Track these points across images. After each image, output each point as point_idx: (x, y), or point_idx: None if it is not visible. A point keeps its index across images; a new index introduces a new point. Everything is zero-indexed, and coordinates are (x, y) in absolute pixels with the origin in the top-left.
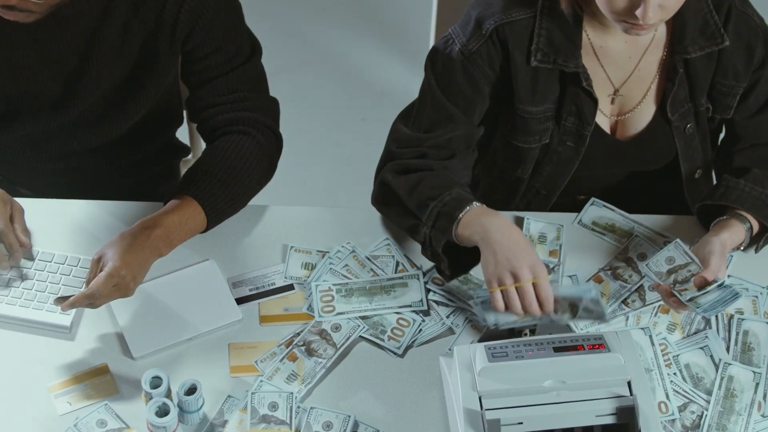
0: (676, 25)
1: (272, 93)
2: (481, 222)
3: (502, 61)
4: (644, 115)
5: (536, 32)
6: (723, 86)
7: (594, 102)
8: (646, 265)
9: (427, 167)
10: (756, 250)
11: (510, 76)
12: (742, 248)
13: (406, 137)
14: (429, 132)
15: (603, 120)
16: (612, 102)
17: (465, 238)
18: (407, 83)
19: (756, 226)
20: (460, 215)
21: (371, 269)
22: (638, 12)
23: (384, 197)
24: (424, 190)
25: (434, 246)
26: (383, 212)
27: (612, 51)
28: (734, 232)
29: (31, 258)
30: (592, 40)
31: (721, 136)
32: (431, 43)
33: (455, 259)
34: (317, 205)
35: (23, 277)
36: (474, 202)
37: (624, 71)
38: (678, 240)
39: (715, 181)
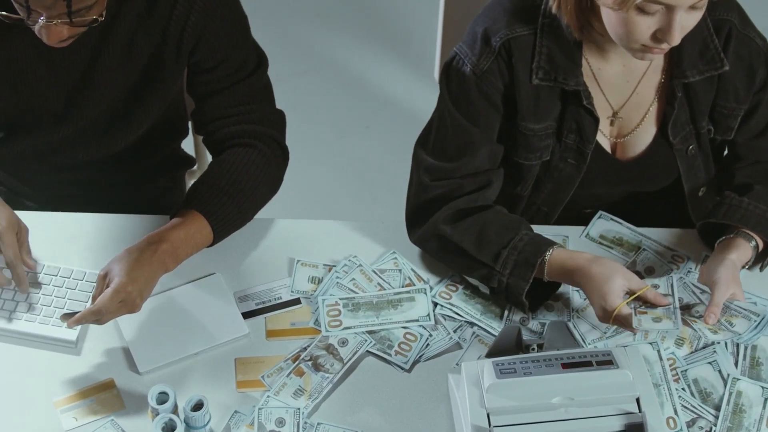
0: (673, 48)
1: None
2: (567, 269)
3: (509, 76)
4: (644, 137)
5: (537, 50)
6: (724, 108)
7: (595, 120)
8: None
9: (477, 205)
10: (761, 269)
11: (514, 92)
12: (747, 267)
13: (436, 168)
14: (456, 159)
15: (603, 140)
16: (611, 124)
17: (559, 280)
18: (411, 90)
19: (761, 244)
20: (545, 263)
21: (378, 283)
22: (665, 36)
23: (445, 249)
24: (491, 237)
25: (516, 294)
26: (445, 263)
27: (610, 75)
28: (742, 251)
29: (38, 285)
30: (590, 63)
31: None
32: (437, 50)
33: (530, 293)
34: (320, 213)
35: (28, 300)
36: (551, 247)
37: (622, 95)
38: (673, 276)
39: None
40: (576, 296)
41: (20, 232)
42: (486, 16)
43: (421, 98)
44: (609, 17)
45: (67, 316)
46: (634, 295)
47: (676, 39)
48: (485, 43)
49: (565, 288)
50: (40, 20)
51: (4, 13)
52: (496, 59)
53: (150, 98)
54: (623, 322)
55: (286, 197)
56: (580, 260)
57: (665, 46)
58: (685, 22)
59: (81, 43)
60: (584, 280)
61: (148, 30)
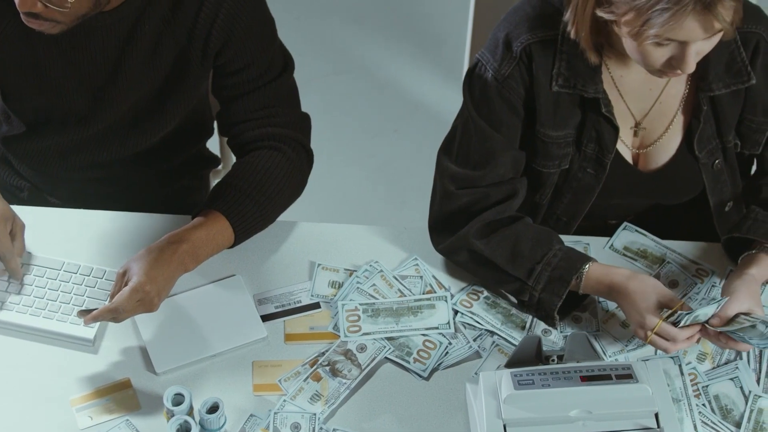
0: (699, 60)
1: (304, 102)
2: (604, 285)
3: (529, 81)
4: (668, 148)
5: (557, 56)
6: (752, 122)
7: (615, 129)
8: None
9: (505, 216)
10: None
11: (534, 98)
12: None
13: (461, 176)
14: (481, 167)
15: (625, 151)
16: (635, 135)
17: (594, 294)
18: (441, 95)
19: None
20: (581, 279)
21: (399, 289)
22: (680, 65)
23: (476, 262)
24: (524, 252)
25: (548, 310)
26: (474, 274)
27: (631, 82)
28: (763, 266)
29: (19, 279)
30: (611, 70)
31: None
32: (466, 54)
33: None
34: (346, 215)
35: (21, 289)
36: (587, 263)
37: (645, 103)
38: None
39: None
40: (601, 307)
41: (15, 226)
42: (508, 22)
43: (451, 103)
44: (625, 42)
45: (84, 313)
46: (671, 312)
47: (691, 68)
48: (507, 49)
49: (592, 298)
50: None
51: None
52: (518, 65)
53: (174, 100)
54: (658, 343)
55: (312, 199)
56: (616, 277)
57: (680, 72)
58: (701, 48)
59: (106, 45)
60: (622, 296)
61: (173, 32)
